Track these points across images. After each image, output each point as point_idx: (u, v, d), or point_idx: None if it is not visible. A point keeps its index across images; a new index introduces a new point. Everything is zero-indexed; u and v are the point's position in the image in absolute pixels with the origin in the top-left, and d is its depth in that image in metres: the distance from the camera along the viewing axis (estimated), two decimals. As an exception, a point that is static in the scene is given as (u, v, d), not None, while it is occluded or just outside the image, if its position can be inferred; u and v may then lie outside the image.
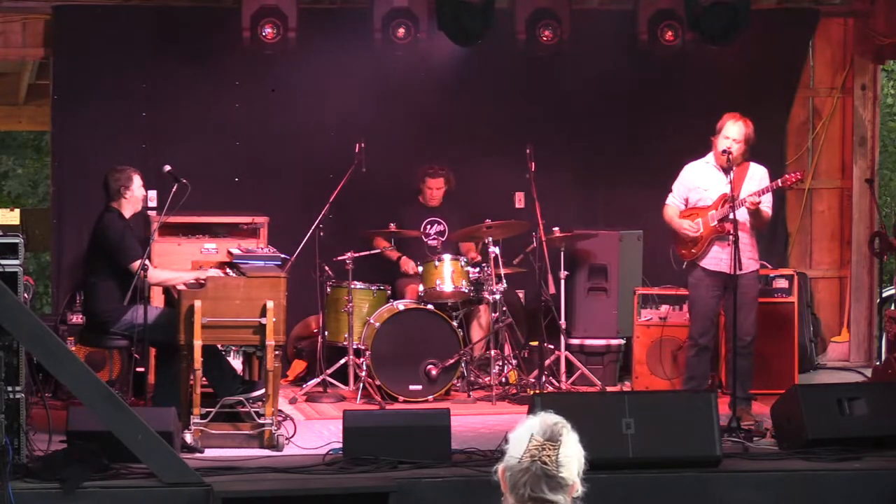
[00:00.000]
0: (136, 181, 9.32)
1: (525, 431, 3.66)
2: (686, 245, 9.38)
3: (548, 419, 3.67)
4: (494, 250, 10.29)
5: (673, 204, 9.48)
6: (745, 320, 9.10)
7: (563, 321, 10.56)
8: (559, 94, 11.61)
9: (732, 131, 9.22)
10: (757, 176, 9.29)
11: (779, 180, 9.22)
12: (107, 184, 9.30)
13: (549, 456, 3.62)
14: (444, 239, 10.97)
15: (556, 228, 10.56)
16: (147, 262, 9.03)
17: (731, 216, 9.05)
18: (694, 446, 7.93)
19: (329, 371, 10.29)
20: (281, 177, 11.37)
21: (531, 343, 10.68)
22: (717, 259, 9.27)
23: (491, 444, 8.17)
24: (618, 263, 11.02)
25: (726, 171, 9.15)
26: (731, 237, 9.01)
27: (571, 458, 3.64)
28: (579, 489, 3.66)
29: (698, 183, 9.39)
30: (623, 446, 7.83)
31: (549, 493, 3.62)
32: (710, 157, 9.37)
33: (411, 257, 10.89)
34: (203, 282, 8.64)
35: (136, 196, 9.33)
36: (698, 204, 9.37)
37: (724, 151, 9.17)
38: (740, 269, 9.04)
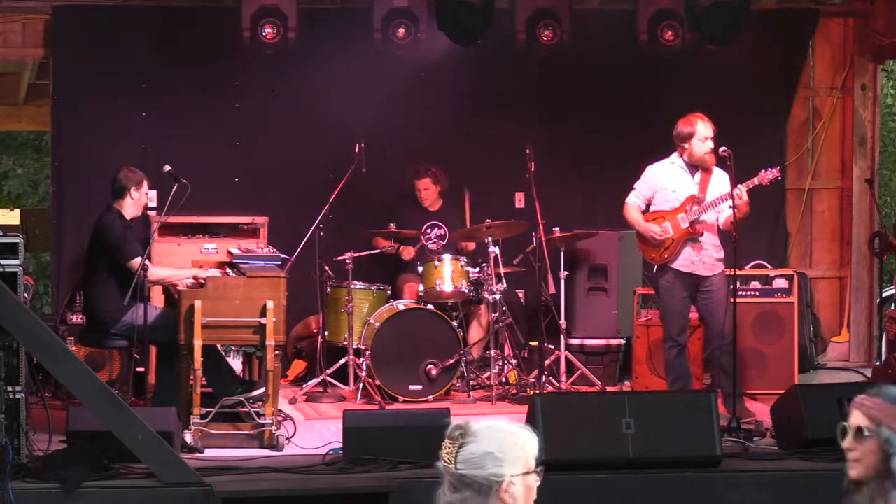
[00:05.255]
0: (144, 187, 9.34)
1: None
2: (656, 249, 9.38)
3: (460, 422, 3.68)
4: (494, 250, 10.28)
5: (634, 203, 9.48)
6: (722, 319, 9.14)
7: (563, 321, 10.56)
8: (559, 94, 11.62)
9: (707, 130, 9.29)
10: (722, 179, 9.28)
11: (755, 178, 9.20)
12: (116, 181, 9.30)
13: (448, 454, 3.62)
14: (444, 243, 10.95)
15: (556, 228, 10.56)
16: (147, 261, 9.03)
17: (700, 217, 9.21)
18: (694, 446, 7.93)
19: (329, 371, 10.28)
20: (281, 177, 11.36)
21: (531, 343, 10.68)
22: (688, 261, 9.31)
23: (491, 444, 8.15)
24: (618, 263, 11.02)
25: (693, 172, 9.24)
26: (700, 238, 9.22)
27: (482, 455, 3.60)
28: (513, 488, 3.60)
29: (666, 184, 9.40)
30: (623, 446, 7.82)
31: (448, 493, 3.61)
32: (674, 157, 9.40)
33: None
34: (203, 281, 8.64)
35: (140, 201, 9.34)
36: (664, 205, 9.38)
37: (710, 152, 9.23)
38: (711, 271, 9.26)
